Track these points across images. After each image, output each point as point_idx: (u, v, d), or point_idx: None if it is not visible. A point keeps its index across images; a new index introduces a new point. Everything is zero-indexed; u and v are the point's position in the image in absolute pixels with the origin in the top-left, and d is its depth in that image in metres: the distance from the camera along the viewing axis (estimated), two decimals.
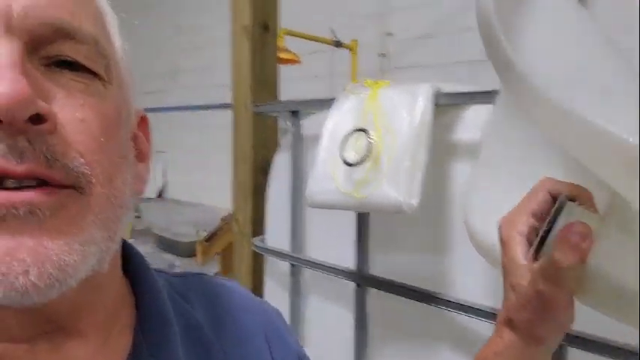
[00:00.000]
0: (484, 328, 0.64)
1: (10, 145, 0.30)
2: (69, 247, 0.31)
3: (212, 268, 2.36)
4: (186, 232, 2.77)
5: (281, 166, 0.96)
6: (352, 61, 2.45)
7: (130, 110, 0.40)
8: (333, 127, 0.73)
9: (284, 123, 1.02)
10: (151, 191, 4.08)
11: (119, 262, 0.41)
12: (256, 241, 1.02)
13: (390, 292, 0.73)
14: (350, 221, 0.80)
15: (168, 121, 4.06)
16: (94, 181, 0.33)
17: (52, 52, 0.33)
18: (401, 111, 0.66)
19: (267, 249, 0.98)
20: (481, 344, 0.66)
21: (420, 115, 0.64)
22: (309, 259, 0.88)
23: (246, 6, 1.18)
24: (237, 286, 0.52)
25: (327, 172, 0.70)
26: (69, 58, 0.34)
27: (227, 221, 1.91)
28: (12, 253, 0.29)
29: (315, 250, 0.91)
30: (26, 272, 0.29)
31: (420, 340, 0.75)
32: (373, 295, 0.79)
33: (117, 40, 0.40)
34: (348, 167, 0.68)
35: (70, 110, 0.33)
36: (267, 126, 1.20)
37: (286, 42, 2.33)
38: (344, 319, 0.82)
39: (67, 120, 0.32)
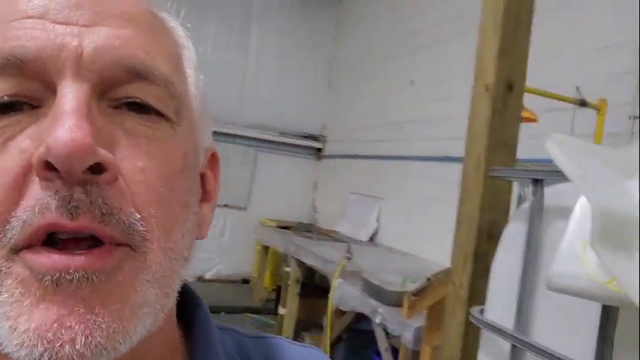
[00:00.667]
0: None
1: (65, 198, 0.28)
2: (121, 313, 0.30)
3: (416, 322, 2.31)
4: (393, 280, 2.78)
5: (513, 235, 0.89)
6: (598, 123, 2.23)
7: (198, 151, 0.38)
8: (586, 203, 0.65)
9: (521, 189, 0.95)
10: (364, 235, 4.21)
11: (174, 311, 0.39)
12: (474, 311, 0.96)
13: None
14: (588, 310, 0.70)
15: (392, 168, 4.18)
16: (149, 237, 0.31)
17: (122, 94, 0.32)
18: None
19: (486, 323, 0.91)
20: None
21: None
22: (536, 344, 0.79)
23: (491, 64, 1.15)
24: (318, 354, 0.49)
25: (578, 256, 0.62)
26: (139, 100, 0.32)
27: (439, 277, 1.85)
28: (61, 320, 0.28)
29: (540, 335, 0.82)
30: (72, 340, 0.28)
31: None
32: None
33: (192, 76, 0.38)
34: None
35: (133, 159, 0.31)
36: (499, 189, 1.14)
37: (524, 100, 2.22)
38: None
39: (128, 169, 0.31)
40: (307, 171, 5.53)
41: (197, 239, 0.37)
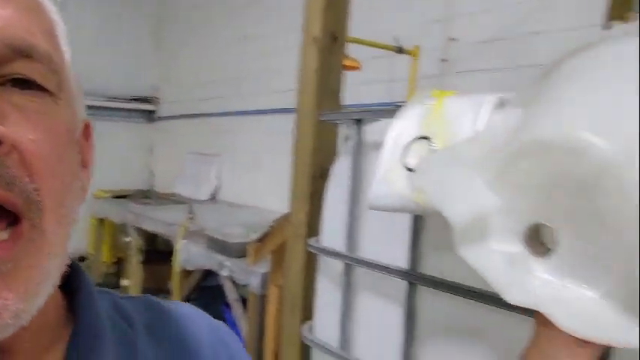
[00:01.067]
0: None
1: None
2: (26, 294, 0.33)
3: (262, 269, 2.42)
4: (237, 233, 2.84)
5: (341, 171, 1.01)
6: (412, 67, 2.48)
7: (77, 122, 0.40)
8: (397, 134, 0.78)
9: (345, 130, 1.07)
10: (204, 193, 4.21)
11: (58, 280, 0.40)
12: (311, 241, 1.07)
13: (442, 290, 0.77)
14: (404, 223, 0.84)
15: (226, 125, 4.19)
16: (44, 206, 0.33)
17: (7, 72, 0.34)
18: (464, 121, 0.69)
19: (321, 249, 1.03)
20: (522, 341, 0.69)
21: (481, 125, 0.68)
22: (362, 259, 0.92)
23: (317, 18, 1.25)
24: (187, 308, 0.53)
25: (390, 177, 0.74)
26: (24, 77, 0.34)
27: (279, 223, 1.97)
28: None
29: (368, 249, 0.95)
30: None
31: (467, 335, 0.78)
32: (424, 295, 0.82)
33: (66, 51, 0.40)
34: (409, 172, 0.72)
35: (24, 132, 0.33)
36: (328, 132, 1.26)
37: (348, 49, 2.39)
38: (394, 317, 0.86)
39: (21, 142, 0.33)
40: (141, 135, 5.29)
41: (80, 204, 0.40)
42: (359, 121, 0.95)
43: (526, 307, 0.45)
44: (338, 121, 1.09)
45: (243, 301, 2.66)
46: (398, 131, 0.78)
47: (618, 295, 0.42)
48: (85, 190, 0.42)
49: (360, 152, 0.95)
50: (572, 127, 0.43)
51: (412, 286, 0.82)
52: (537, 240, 0.49)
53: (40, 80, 0.35)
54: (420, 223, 0.82)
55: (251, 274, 2.46)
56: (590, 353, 0.45)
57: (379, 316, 0.93)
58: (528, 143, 0.46)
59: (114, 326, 0.44)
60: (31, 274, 0.33)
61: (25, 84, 0.34)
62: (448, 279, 0.77)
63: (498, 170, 0.50)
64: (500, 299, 0.68)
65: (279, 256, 1.96)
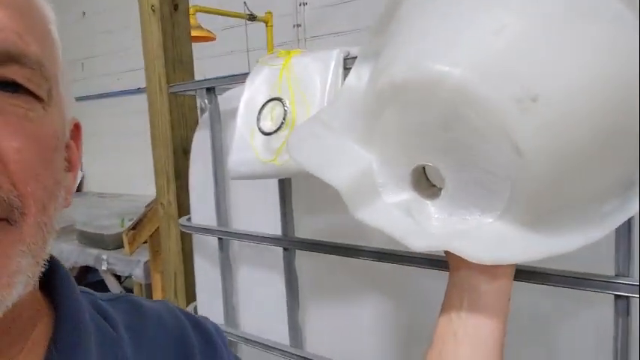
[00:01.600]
0: (404, 271, 0.69)
1: None
2: None
3: (144, 257, 2.32)
4: (110, 223, 2.70)
5: (201, 144, 0.97)
6: (267, 34, 2.45)
7: (65, 127, 0.40)
8: (248, 99, 0.75)
9: (201, 101, 1.02)
10: None
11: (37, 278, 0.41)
12: (182, 221, 1.02)
13: (315, 251, 0.77)
14: (274, 189, 0.82)
15: (80, 111, 3.89)
16: (26, 212, 0.33)
17: None
18: (314, 77, 0.68)
19: (193, 227, 0.99)
20: (401, 287, 0.71)
21: (331, 79, 0.67)
22: (235, 231, 0.89)
23: None
24: (167, 305, 0.54)
25: (247, 144, 0.71)
26: (11, 81, 0.33)
27: (152, 207, 1.88)
28: None
29: (242, 223, 0.93)
30: None
31: (348, 292, 0.79)
32: (302, 257, 0.82)
33: (60, 53, 0.40)
34: (265, 136, 0.70)
35: (8, 139, 0.32)
36: (185, 106, 1.20)
37: (200, 20, 2.29)
38: (275, 284, 0.85)
39: (5, 149, 0.32)
40: None
41: (65, 208, 0.40)
42: (210, 90, 0.91)
43: (433, 249, 0.45)
44: (190, 92, 1.03)
45: (129, 292, 2.55)
46: (249, 96, 0.75)
47: (513, 214, 0.43)
48: (69, 194, 0.42)
49: (218, 122, 0.91)
50: (420, 62, 0.43)
51: (288, 251, 0.81)
52: (426, 183, 0.50)
53: (30, 86, 0.35)
54: (288, 187, 0.81)
55: (132, 264, 2.35)
56: (508, 272, 0.46)
57: (262, 288, 0.92)
58: (384, 90, 0.46)
59: (97, 326, 0.44)
60: (4, 263, 0.33)
61: (13, 89, 0.34)
62: (323, 239, 0.77)
63: (365, 127, 0.50)
64: (375, 251, 0.70)
65: (156, 241, 1.88)
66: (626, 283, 0.50)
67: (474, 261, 0.43)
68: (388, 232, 0.47)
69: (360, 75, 0.58)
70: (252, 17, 2.38)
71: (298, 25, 2.63)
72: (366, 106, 0.49)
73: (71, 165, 0.42)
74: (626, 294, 0.50)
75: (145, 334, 0.48)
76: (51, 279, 0.44)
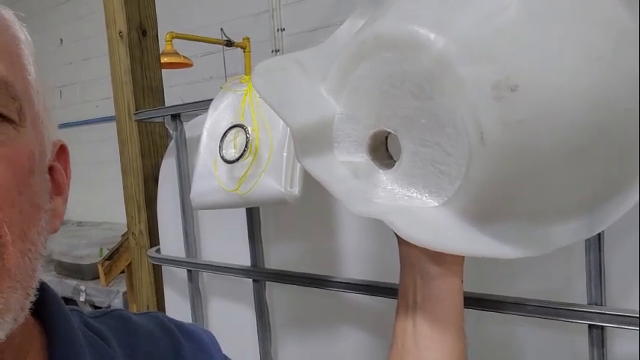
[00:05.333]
0: (374, 302, 0.66)
1: None
2: None
3: (121, 287, 2.27)
4: (89, 253, 2.64)
5: (168, 172, 0.94)
6: (245, 60, 2.44)
7: (44, 147, 0.38)
8: (211, 126, 0.73)
9: (168, 128, 0.99)
10: None
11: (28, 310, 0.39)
12: (151, 252, 0.99)
13: (284, 283, 0.74)
14: (243, 218, 0.79)
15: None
16: (4, 241, 0.32)
17: None
18: None
19: (162, 259, 0.95)
20: (373, 317, 0.69)
21: None
22: (204, 262, 0.86)
23: (120, 12, 1.14)
24: (156, 317, 0.53)
25: (210, 172, 0.69)
26: None
27: (127, 236, 1.84)
28: None
29: (212, 252, 0.90)
30: None
31: (321, 322, 0.76)
32: (274, 287, 0.79)
33: (32, 71, 0.38)
34: (228, 165, 0.67)
35: None
36: (155, 133, 1.17)
37: (179, 46, 2.28)
38: (247, 315, 0.82)
39: None
40: None
41: (51, 234, 0.38)
42: (176, 117, 0.88)
43: (369, 217, 0.43)
44: (157, 119, 1.01)
45: None
46: (212, 123, 0.73)
47: (458, 203, 0.41)
48: (57, 218, 0.40)
49: (185, 149, 0.89)
50: (409, 23, 0.41)
51: (258, 283, 0.78)
52: (385, 153, 0.48)
53: None
54: (256, 216, 0.78)
55: (111, 295, 2.30)
56: (457, 262, 0.45)
57: (233, 319, 0.88)
58: (367, 40, 0.44)
59: (90, 344, 0.43)
60: None
61: None
62: (294, 269, 0.74)
63: (339, 76, 0.47)
64: (346, 282, 0.67)
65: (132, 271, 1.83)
66: (599, 312, 0.48)
67: (405, 238, 0.41)
68: (329, 187, 0.45)
69: (351, 30, 0.53)
70: (229, 43, 2.37)
71: (277, 51, 2.63)
72: (344, 56, 0.47)
73: (58, 188, 0.41)
74: (600, 323, 0.48)
75: (137, 348, 0.47)
76: (40, 301, 0.41)
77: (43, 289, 0.42)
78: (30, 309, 0.38)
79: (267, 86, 0.48)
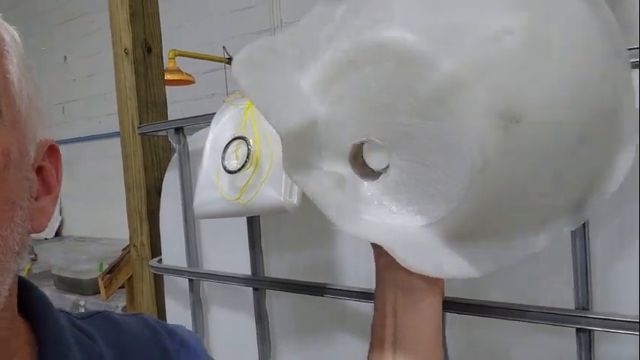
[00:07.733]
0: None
1: None
2: None
3: (120, 302, 2.27)
4: (89, 268, 2.65)
5: (171, 184, 0.96)
6: None
7: (25, 145, 0.38)
8: (214, 138, 0.75)
9: (171, 141, 1.02)
10: (48, 231, 3.86)
11: (13, 303, 0.40)
12: (153, 262, 1.01)
13: (284, 291, 0.75)
14: (244, 228, 0.81)
15: (62, 155, 3.88)
16: None
17: None
18: None
19: (164, 268, 0.97)
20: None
21: None
22: (205, 272, 0.88)
23: (126, 30, 1.18)
24: (142, 318, 0.54)
25: (212, 183, 0.71)
26: None
27: (128, 250, 1.85)
28: None
29: (214, 262, 0.92)
30: None
31: (321, 331, 0.78)
32: (274, 296, 0.81)
33: (14, 70, 0.38)
34: (230, 175, 0.69)
35: None
36: (159, 147, 1.20)
37: (182, 64, 2.32)
38: (247, 324, 0.83)
39: None
40: None
41: (35, 232, 0.39)
42: (179, 130, 0.91)
43: (354, 235, 0.42)
44: (160, 133, 1.03)
45: None
46: (215, 135, 0.75)
47: (445, 224, 0.41)
48: (45, 216, 0.40)
49: (187, 162, 0.91)
50: (424, 36, 0.38)
51: (258, 291, 0.80)
52: (361, 159, 0.46)
53: None
54: (257, 225, 0.80)
55: (110, 309, 2.30)
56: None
57: (234, 328, 0.90)
58: (368, 46, 0.40)
59: (79, 344, 0.43)
60: None
61: None
62: (295, 277, 0.76)
63: (326, 76, 0.43)
64: (347, 290, 0.69)
65: (132, 285, 1.84)
66: (586, 317, 0.49)
67: (399, 262, 0.40)
68: (318, 202, 0.43)
69: (323, 17, 0.46)
70: (231, 61, 2.41)
71: None
72: (333, 57, 0.42)
73: (48, 187, 0.41)
74: (588, 327, 0.50)
75: (125, 349, 0.48)
76: (26, 301, 0.43)
77: (28, 288, 0.43)
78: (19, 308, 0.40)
79: (254, 86, 0.44)
